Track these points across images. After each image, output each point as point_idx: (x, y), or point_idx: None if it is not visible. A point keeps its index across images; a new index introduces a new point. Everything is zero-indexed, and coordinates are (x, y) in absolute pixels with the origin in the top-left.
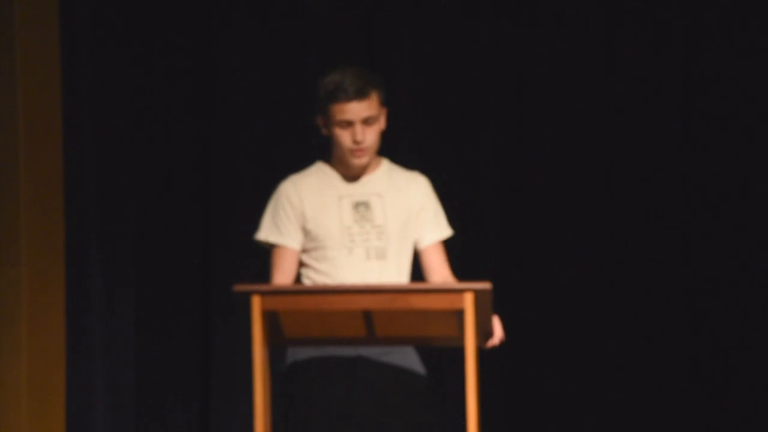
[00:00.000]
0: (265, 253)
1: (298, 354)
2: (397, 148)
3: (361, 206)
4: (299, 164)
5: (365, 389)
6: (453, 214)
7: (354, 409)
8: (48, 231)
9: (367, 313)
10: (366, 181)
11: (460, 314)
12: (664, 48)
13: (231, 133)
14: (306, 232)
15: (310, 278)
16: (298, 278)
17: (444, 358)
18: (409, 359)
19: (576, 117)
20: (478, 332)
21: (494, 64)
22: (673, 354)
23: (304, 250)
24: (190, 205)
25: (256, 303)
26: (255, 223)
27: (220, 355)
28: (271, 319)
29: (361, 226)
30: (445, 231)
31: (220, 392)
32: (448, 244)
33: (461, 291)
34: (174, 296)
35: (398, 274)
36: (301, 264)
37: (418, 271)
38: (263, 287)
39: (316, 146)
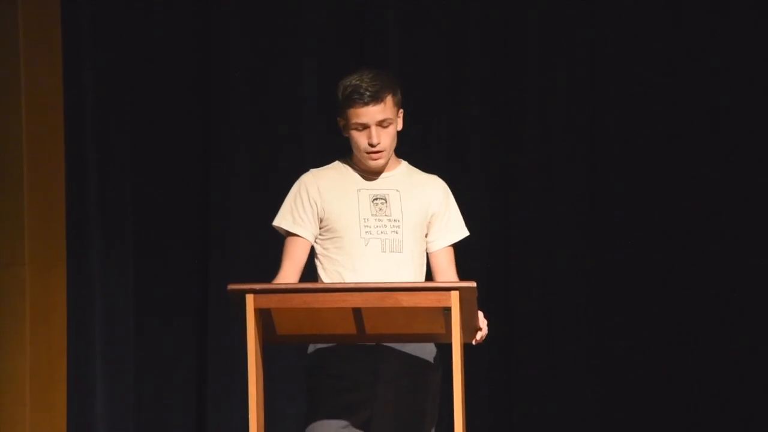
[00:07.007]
0: (261, 253)
1: (320, 346)
2: None
3: (379, 200)
4: (297, 164)
5: (386, 378)
6: None
7: (375, 397)
8: (50, 232)
9: (357, 311)
10: (385, 177)
11: (447, 312)
12: (660, 47)
13: (229, 134)
14: (323, 223)
15: (326, 268)
16: (314, 267)
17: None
18: (427, 350)
19: (570, 116)
20: (464, 328)
21: (486, 61)
22: (668, 353)
23: (322, 240)
24: (188, 207)
25: (250, 302)
26: (252, 223)
27: (217, 352)
28: (264, 317)
29: (378, 219)
30: (457, 234)
31: (217, 388)
32: None
33: (448, 289)
34: (172, 295)
35: (413, 268)
36: (318, 254)
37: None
38: (256, 286)
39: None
